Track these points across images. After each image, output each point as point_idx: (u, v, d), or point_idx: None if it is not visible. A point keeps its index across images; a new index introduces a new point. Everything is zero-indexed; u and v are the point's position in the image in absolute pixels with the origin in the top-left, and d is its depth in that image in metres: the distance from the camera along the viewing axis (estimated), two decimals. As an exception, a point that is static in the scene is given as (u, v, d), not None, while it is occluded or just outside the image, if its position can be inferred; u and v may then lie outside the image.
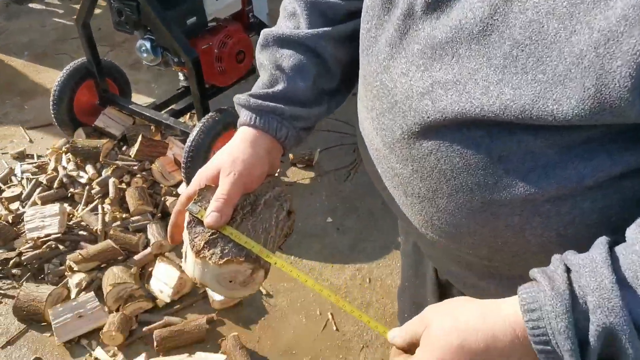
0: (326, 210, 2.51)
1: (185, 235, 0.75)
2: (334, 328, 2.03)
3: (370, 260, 2.28)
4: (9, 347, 2.03)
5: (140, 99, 3.24)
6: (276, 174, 0.89)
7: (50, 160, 2.74)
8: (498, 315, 0.59)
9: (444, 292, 1.08)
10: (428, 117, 0.66)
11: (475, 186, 0.67)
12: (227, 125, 2.40)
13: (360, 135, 0.86)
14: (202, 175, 0.81)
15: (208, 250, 0.72)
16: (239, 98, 0.85)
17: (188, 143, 2.32)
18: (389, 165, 0.78)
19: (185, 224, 0.76)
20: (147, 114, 2.70)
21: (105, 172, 2.58)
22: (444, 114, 0.65)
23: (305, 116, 0.86)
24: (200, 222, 0.75)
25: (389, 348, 1.92)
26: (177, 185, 2.57)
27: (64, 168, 2.63)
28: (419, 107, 0.68)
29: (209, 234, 0.73)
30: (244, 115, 0.84)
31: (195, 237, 0.73)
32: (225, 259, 0.71)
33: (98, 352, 1.98)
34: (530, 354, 0.57)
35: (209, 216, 0.74)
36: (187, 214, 0.77)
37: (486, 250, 0.73)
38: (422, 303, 1.21)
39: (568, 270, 0.57)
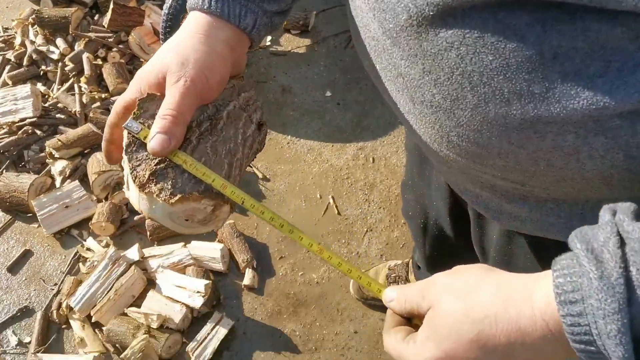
0: (325, 82, 2.28)
1: (125, 161, 0.57)
2: (336, 212, 1.92)
3: (374, 138, 2.11)
4: (-4, 239, 1.94)
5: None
6: (241, 76, 0.68)
7: (16, 33, 2.45)
8: (526, 302, 0.44)
9: (456, 201, 0.92)
10: None
11: (514, 96, 0.48)
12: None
13: (350, 15, 0.64)
14: (142, 80, 0.60)
15: (155, 185, 0.54)
16: None
17: (165, 10, 2.03)
18: (391, 61, 0.57)
19: (124, 147, 0.57)
20: (119, -24, 2.36)
21: (78, 46, 2.31)
22: None
23: None
24: (143, 145, 0.56)
25: (394, 232, 1.80)
26: (159, 58, 2.32)
27: (32, 42, 2.36)
28: None
29: (155, 162, 0.55)
30: None
31: (138, 166, 0.55)
32: (178, 196, 0.54)
33: (90, 242, 1.89)
34: (567, 349, 0.43)
35: (154, 139, 0.55)
36: (125, 133, 0.58)
37: (520, 175, 0.56)
38: (427, 205, 1.07)
39: (622, 243, 0.40)
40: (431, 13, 0.48)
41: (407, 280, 1.62)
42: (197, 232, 0.60)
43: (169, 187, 0.54)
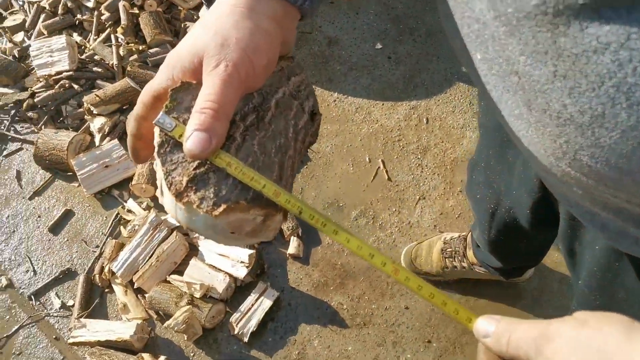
0: (375, 33, 2.10)
1: (158, 164, 0.46)
2: (386, 177, 1.80)
3: (428, 96, 1.94)
4: (36, 197, 1.90)
5: None
6: (290, 56, 0.55)
7: (49, -21, 2.33)
8: None
9: (544, 198, 0.80)
10: None
11: None
12: None
13: None
14: (174, 65, 0.48)
15: (195, 193, 0.44)
16: None
17: (205, -45, 1.88)
18: (503, 54, 0.44)
19: (156, 147, 0.46)
20: None
21: (114, -7, 2.18)
22: None
23: None
24: (178, 145, 0.45)
25: (449, 200, 1.67)
26: (199, 7, 2.17)
27: (67, -11, 2.24)
28: None
29: (194, 165, 0.45)
30: None
31: (173, 170, 0.45)
32: (223, 206, 0.44)
33: (130, 204, 1.83)
34: None
35: (191, 139, 0.44)
36: (156, 130, 0.47)
37: None
38: (502, 192, 0.94)
39: None
40: (580, 1, 0.34)
41: (464, 257, 1.50)
42: (245, 243, 0.50)
43: (211, 195, 0.44)
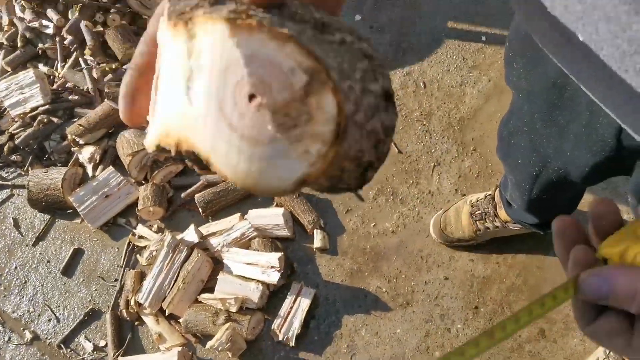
0: (351, 5, 2.03)
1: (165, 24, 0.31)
2: (396, 151, 1.75)
3: (420, 59, 1.89)
4: (40, 242, 1.81)
5: None
6: None
7: (0, 12, 2.20)
8: None
9: (618, 155, 0.75)
10: None
11: None
12: None
13: None
14: None
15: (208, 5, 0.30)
16: None
17: (162, -44, 1.77)
18: (624, 36, 0.39)
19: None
20: None
21: (72, 14, 2.06)
22: None
23: None
24: None
25: (464, 162, 1.63)
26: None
27: (21, 19, 2.11)
28: None
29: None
30: None
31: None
32: (250, 21, 0.27)
33: (140, 229, 1.76)
34: None
35: None
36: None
37: None
38: (550, 154, 0.90)
39: None
40: None
41: (496, 217, 1.47)
42: (280, 176, 0.29)
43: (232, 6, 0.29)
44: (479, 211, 1.49)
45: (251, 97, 0.28)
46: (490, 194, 1.51)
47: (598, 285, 0.38)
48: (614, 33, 0.39)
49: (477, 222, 1.50)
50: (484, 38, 1.88)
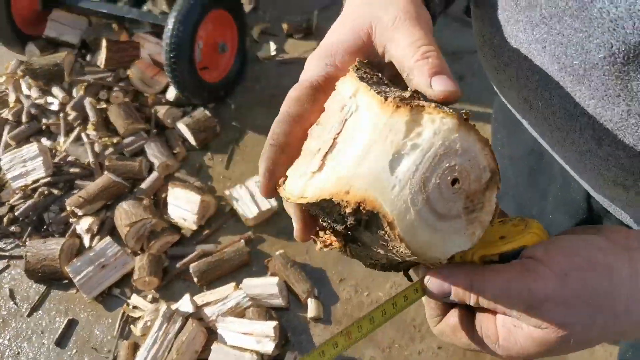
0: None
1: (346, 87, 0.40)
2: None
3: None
4: (35, 313, 1.82)
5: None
6: None
7: (7, 89, 2.31)
8: None
9: (591, 218, 0.82)
10: None
11: None
12: (207, 6, 1.96)
13: (494, 43, 0.51)
14: (329, 54, 0.43)
15: (424, 100, 0.37)
16: None
17: (166, 39, 1.90)
18: (569, 99, 0.46)
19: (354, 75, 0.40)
20: (103, 10, 2.22)
21: (77, 92, 2.17)
22: None
23: None
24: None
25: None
26: (165, 90, 2.18)
27: (27, 97, 2.22)
28: None
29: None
30: None
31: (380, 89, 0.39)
32: (458, 115, 0.36)
33: (135, 299, 1.77)
34: None
35: (437, 81, 0.39)
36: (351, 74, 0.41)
37: None
38: (534, 215, 0.96)
39: None
40: None
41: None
42: (448, 249, 0.37)
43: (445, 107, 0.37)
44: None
45: (454, 181, 0.35)
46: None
47: (440, 283, 0.41)
48: (563, 99, 0.47)
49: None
50: (475, 114, 1.99)
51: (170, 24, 1.89)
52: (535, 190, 0.91)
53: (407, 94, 0.36)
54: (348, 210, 0.36)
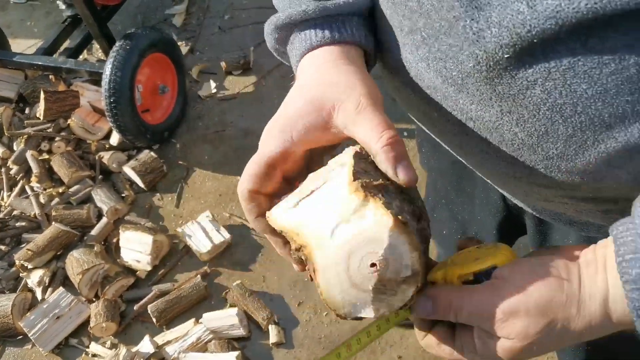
0: (283, 114, 2.22)
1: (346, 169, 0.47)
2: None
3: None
4: (-11, 375, 1.76)
5: (20, 45, 2.70)
6: None
7: (-57, 149, 2.26)
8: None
9: (509, 215, 0.89)
10: (527, 32, 0.42)
11: (617, 119, 0.44)
12: (144, 50, 2.00)
13: (391, 66, 0.59)
14: (290, 128, 0.50)
15: (381, 195, 0.45)
16: (282, 16, 0.56)
17: (105, 85, 1.93)
18: (457, 107, 0.53)
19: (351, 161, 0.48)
20: (39, 62, 2.21)
21: (18, 146, 2.15)
22: (560, 18, 0.40)
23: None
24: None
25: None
26: (108, 136, 2.19)
27: (-35, 155, 2.18)
28: (505, 19, 0.43)
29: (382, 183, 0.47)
30: (312, 33, 0.55)
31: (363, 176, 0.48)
32: (401, 218, 0.44)
33: (94, 347, 1.75)
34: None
35: (402, 170, 0.47)
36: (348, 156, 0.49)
37: (615, 194, 0.53)
38: (467, 220, 1.03)
39: None
40: (505, 56, 0.44)
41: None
42: (385, 309, 0.47)
43: (396, 206, 0.45)
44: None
45: (373, 264, 0.44)
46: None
47: (425, 304, 0.49)
48: (452, 107, 0.54)
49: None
50: (405, 134, 2.09)
51: (107, 70, 1.92)
52: (465, 195, 0.99)
53: (376, 182, 0.45)
54: (294, 246, 0.47)
